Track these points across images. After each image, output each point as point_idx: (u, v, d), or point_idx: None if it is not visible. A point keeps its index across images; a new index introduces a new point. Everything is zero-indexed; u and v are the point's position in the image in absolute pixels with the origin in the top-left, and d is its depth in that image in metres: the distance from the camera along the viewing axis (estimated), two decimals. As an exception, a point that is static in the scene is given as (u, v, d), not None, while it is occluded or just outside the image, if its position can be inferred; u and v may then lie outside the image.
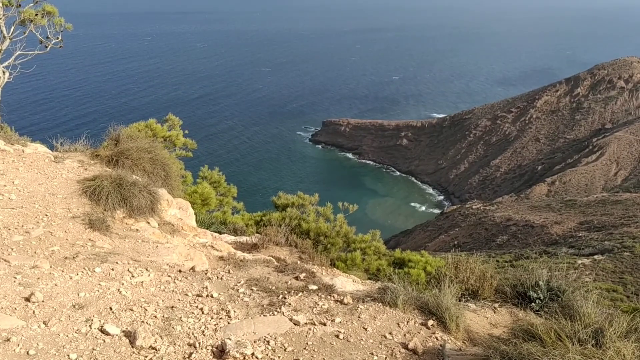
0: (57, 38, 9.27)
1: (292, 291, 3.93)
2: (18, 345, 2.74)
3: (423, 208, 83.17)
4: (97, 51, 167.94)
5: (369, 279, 7.78)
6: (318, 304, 3.71)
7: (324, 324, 3.41)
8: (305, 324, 3.41)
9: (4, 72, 8.20)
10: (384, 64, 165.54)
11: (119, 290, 3.66)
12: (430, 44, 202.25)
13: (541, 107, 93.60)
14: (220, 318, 3.42)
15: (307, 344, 3.17)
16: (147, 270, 4.11)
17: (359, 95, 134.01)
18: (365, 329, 3.38)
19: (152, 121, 9.70)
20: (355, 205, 9.34)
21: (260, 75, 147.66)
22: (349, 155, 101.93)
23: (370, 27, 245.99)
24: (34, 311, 3.16)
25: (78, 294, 3.50)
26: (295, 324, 3.39)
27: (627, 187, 65.04)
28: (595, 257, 29.33)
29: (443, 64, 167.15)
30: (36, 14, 8.73)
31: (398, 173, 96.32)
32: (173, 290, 3.81)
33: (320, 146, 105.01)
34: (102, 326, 3.08)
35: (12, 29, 8.39)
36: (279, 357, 3.00)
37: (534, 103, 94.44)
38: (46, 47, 9.03)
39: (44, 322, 3.03)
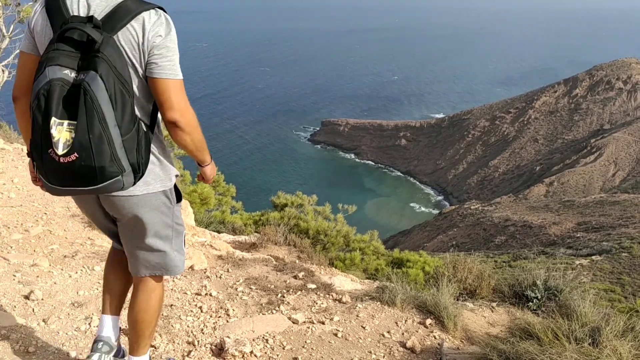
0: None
1: (291, 290, 3.94)
2: (17, 343, 2.75)
3: (422, 208, 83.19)
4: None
5: (368, 278, 7.80)
6: (317, 303, 3.73)
7: (323, 323, 3.42)
8: (304, 322, 3.42)
9: (3, 70, 8.21)
10: (385, 63, 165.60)
11: (118, 288, 3.66)
12: (431, 44, 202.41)
13: (539, 107, 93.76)
14: (219, 316, 3.44)
15: (305, 342, 3.18)
16: (146, 268, 4.12)
17: (360, 94, 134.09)
18: (364, 328, 3.39)
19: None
20: (354, 206, 9.36)
21: (262, 75, 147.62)
22: (348, 155, 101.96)
23: (370, 27, 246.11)
24: (33, 309, 3.17)
25: (77, 292, 3.51)
26: (293, 323, 3.40)
27: (625, 188, 65.13)
28: (593, 257, 29.38)
29: (445, 64, 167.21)
30: (35, 13, 8.73)
31: (397, 173, 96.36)
32: (172, 289, 3.82)
33: (319, 146, 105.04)
34: (101, 324, 3.08)
35: (11, 28, 8.40)
36: (277, 355, 3.02)
37: (533, 104, 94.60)
38: (45, 45, 9.02)
39: (44, 320, 3.04)
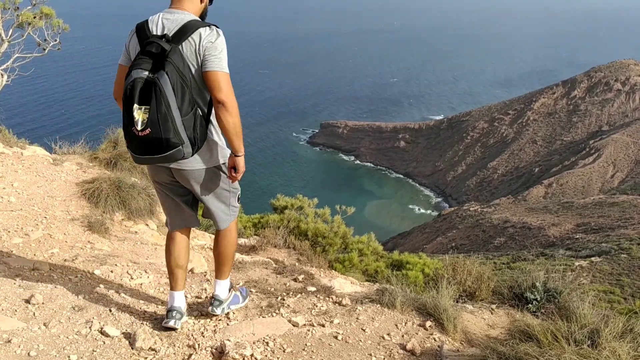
0: (55, 40, 9.27)
1: (291, 293, 3.95)
2: (19, 347, 2.76)
3: (421, 210, 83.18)
4: (97, 53, 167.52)
5: (368, 280, 7.79)
6: (317, 306, 3.73)
7: (323, 325, 3.42)
8: (304, 325, 3.43)
9: (2, 75, 8.21)
10: (385, 65, 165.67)
11: (118, 292, 3.67)
12: (431, 45, 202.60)
13: (538, 109, 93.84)
14: (220, 320, 3.44)
15: (305, 345, 3.19)
16: (146, 272, 4.13)
17: (359, 96, 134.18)
18: (364, 330, 3.40)
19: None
20: (352, 208, 9.36)
21: (261, 78, 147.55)
22: (347, 157, 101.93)
23: (368, 28, 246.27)
24: (34, 313, 3.17)
25: (77, 296, 3.51)
26: (294, 325, 3.41)
27: (623, 189, 65.16)
28: (593, 259, 29.39)
29: (444, 65, 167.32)
30: (34, 17, 8.73)
31: (396, 175, 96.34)
32: (172, 292, 3.81)
33: (318, 148, 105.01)
34: (101, 328, 3.09)
35: (10, 32, 8.40)
36: (278, 358, 3.03)
37: (531, 105, 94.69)
38: (44, 49, 9.03)
39: (45, 324, 3.04)
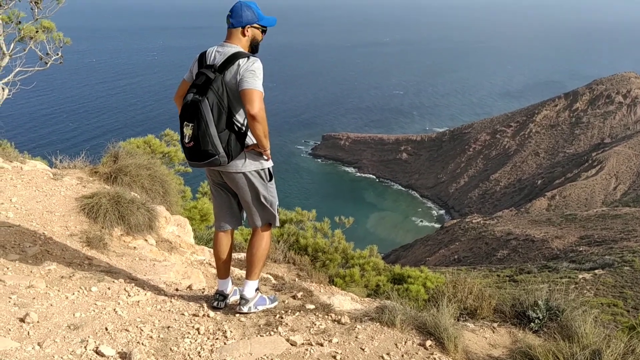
0: (57, 54, 9.29)
1: (289, 311, 3.90)
2: (12, 368, 2.71)
3: (423, 222, 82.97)
4: (101, 67, 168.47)
5: (369, 295, 7.73)
6: (315, 324, 3.68)
7: (321, 345, 3.37)
8: (302, 344, 3.37)
9: (3, 88, 8.23)
10: (387, 78, 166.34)
11: (114, 310, 3.63)
12: (432, 57, 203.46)
13: (540, 121, 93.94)
14: (217, 338, 3.39)
15: (303, 365, 3.13)
16: (143, 289, 4.09)
17: (362, 108, 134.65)
18: (363, 350, 3.34)
19: (151, 137, 9.74)
20: (351, 219, 9.31)
21: (267, 91, 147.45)
22: (349, 169, 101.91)
23: (370, 41, 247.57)
24: (28, 332, 3.13)
25: (74, 314, 3.47)
26: (292, 345, 3.36)
27: (626, 201, 65.00)
28: (596, 271, 29.25)
29: (448, 77, 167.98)
30: (36, 31, 8.76)
31: (398, 187, 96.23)
32: (169, 310, 3.78)
33: (320, 160, 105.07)
34: (97, 347, 3.05)
35: (11, 46, 8.43)
36: (275, 379, 2.97)
37: (533, 117, 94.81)
38: (46, 63, 9.05)
39: (39, 344, 3.00)
